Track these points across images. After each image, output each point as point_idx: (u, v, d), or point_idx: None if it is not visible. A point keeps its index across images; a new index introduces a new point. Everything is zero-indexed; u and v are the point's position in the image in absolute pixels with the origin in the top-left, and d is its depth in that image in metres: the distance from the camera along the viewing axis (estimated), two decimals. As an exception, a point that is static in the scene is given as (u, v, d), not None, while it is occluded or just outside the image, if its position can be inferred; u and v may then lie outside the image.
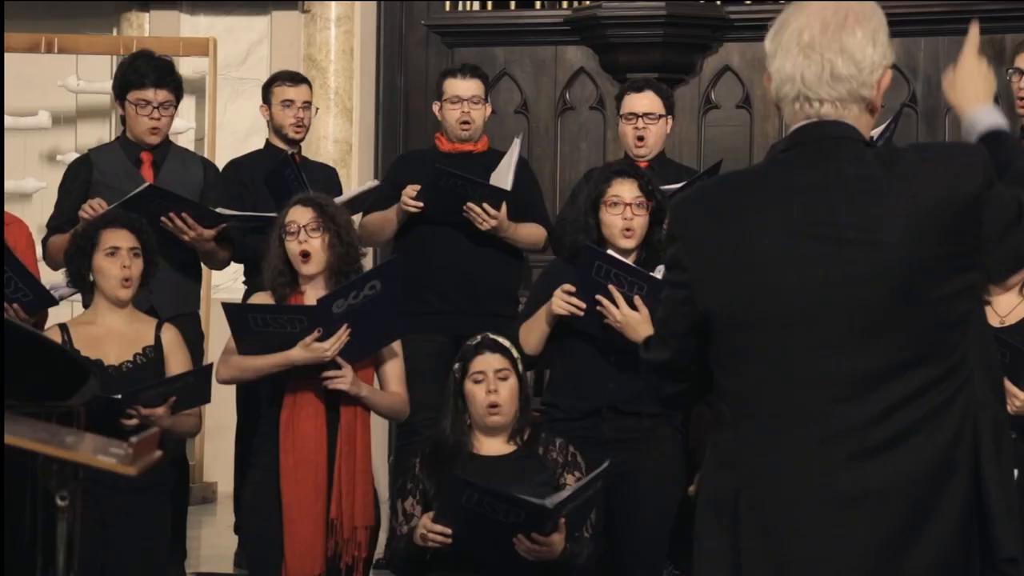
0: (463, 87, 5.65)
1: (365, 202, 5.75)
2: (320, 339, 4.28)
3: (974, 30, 2.69)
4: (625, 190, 4.51)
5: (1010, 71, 5.52)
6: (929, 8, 7.02)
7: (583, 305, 4.41)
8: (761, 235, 2.43)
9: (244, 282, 5.77)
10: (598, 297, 4.38)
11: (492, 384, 4.19)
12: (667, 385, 2.63)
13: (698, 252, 2.49)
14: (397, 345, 4.51)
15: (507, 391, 4.20)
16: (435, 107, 5.75)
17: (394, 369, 4.50)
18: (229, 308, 4.36)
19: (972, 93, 2.64)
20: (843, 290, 2.39)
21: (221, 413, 4.96)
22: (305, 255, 4.39)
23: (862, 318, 2.39)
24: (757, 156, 7.10)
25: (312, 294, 4.42)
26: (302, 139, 5.95)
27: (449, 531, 3.98)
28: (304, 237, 4.39)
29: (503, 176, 5.49)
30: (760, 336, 2.44)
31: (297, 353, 4.31)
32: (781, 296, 2.42)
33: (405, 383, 4.54)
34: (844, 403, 2.39)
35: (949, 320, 2.41)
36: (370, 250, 6.60)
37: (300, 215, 4.42)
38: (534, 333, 4.52)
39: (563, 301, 4.43)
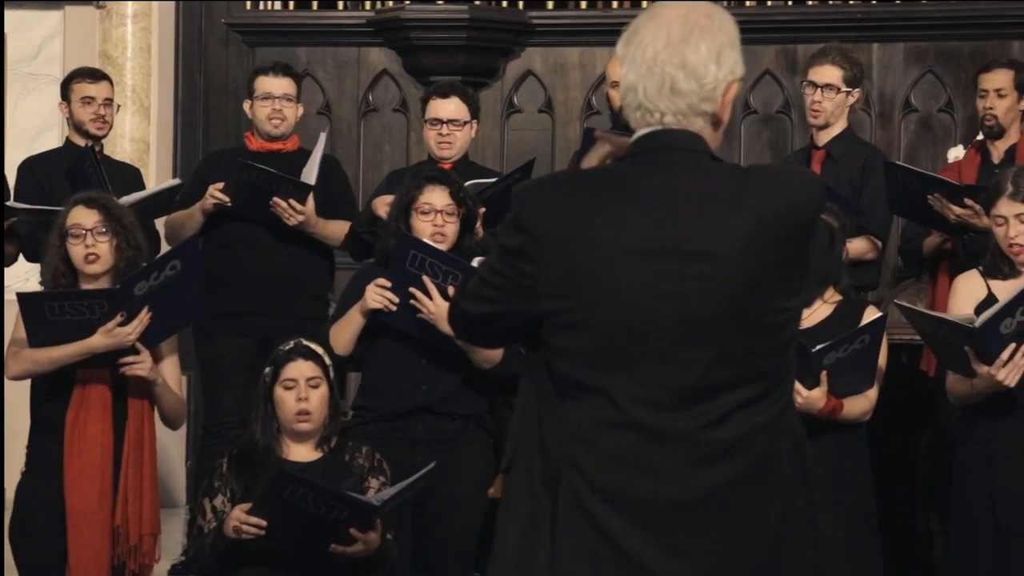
0: (275, 84, 5.62)
1: (163, 202, 5.65)
2: (121, 323, 4.19)
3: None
4: (436, 197, 4.51)
5: (803, 83, 5.69)
6: (724, 18, 7.17)
7: (396, 299, 4.40)
8: (605, 244, 2.42)
9: (40, 282, 5.62)
10: (412, 290, 4.37)
11: (303, 392, 4.16)
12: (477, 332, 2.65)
13: (546, 253, 2.45)
14: (173, 344, 4.43)
15: (317, 399, 4.18)
16: (246, 105, 5.71)
17: (171, 369, 4.42)
18: (24, 297, 4.24)
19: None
20: (676, 302, 2.40)
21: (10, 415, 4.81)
22: (91, 258, 4.29)
23: (692, 331, 2.40)
24: (559, 160, 7.18)
25: None
26: (104, 136, 5.85)
27: (264, 523, 3.93)
28: (91, 241, 4.28)
29: (307, 171, 5.47)
30: (596, 342, 2.43)
31: (98, 340, 4.20)
32: (617, 305, 2.42)
33: (180, 385, 4.48)
34: (670, 414, 2.41)
35: (777, 341, 2.44)
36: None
37: (85, 218, 4.30)
38: (345, 332, 4.50)
39: (377, 294, 4.42)
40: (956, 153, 5.99)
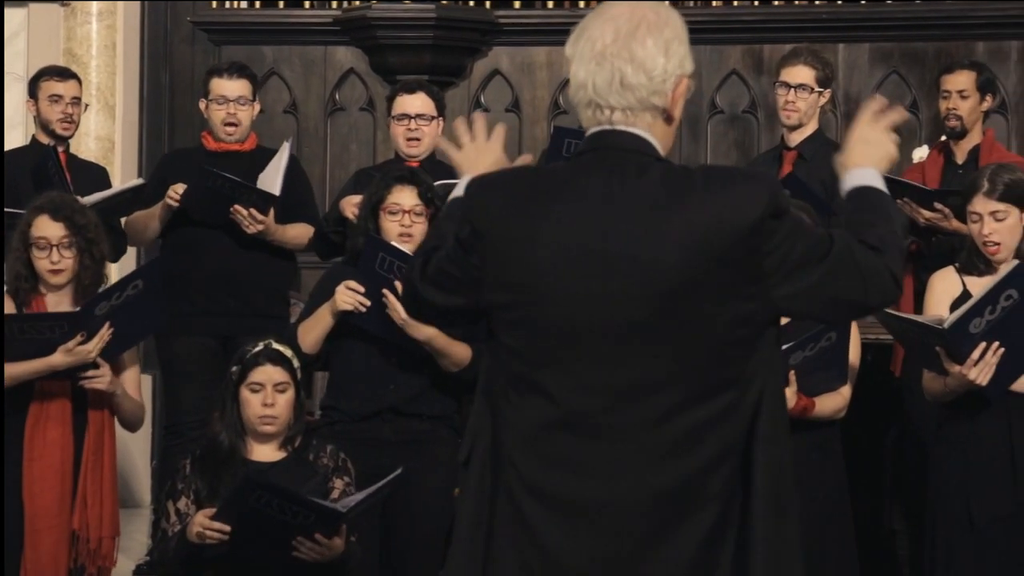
0: (229, 87, 5.58)
1: (127, 201, 5.63)
2: (82, 342, 4.20)
3: (874, 103, 2.66)
4: (404, 197, 4.51)
5: (776, 83, 5.72)
6: (688, 17, 7.19)
7: (367, 302, 4.40)
8: (541, 244, 2.44)
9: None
10: (384, 291, 4.37)
11: (270, 397, 4.15)
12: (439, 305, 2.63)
13: (491, 249, 2.49)
14: (134, 352, 4.44)
15: (283, 403, 4.17)
16: (201, 104, 5.68)
17: (132, 376, 4.43)
18: None
19: (858, 156, 2.62)
20: (605, 304, 2.41)
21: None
22: (56, 272, 4.31)
23: (623, 333, 2.41)
24: (526, 160, 7.17)
25: (55, 300, 4.34)
26: (71, 136, 5.83)
27: (228, 528, 3.92)
28: (56, 257, 4.29)
29: (271, 179, 5.43)
30: (534, 340, 2.45)
31: (59, 358, 4.21)
32: (552, 305, 2.44)
33: (140, 390, 4.49)
34: (605, 417, 2.42)
35: (722, 345, 2.41)
36: (132, 251, 6.47)
37: (51, 231, 4.30)
38: (314, 331, 4.49)
39: (348, 296, 4.41)
40: (920, 153, 6.03)
